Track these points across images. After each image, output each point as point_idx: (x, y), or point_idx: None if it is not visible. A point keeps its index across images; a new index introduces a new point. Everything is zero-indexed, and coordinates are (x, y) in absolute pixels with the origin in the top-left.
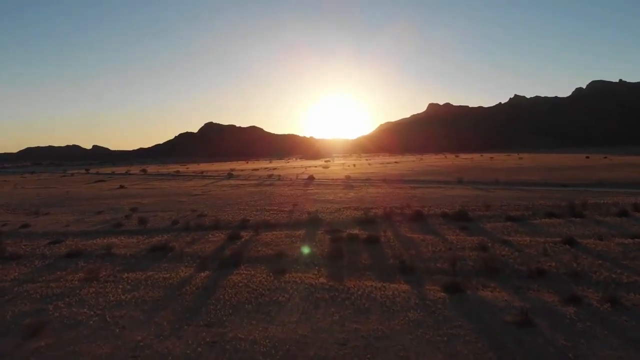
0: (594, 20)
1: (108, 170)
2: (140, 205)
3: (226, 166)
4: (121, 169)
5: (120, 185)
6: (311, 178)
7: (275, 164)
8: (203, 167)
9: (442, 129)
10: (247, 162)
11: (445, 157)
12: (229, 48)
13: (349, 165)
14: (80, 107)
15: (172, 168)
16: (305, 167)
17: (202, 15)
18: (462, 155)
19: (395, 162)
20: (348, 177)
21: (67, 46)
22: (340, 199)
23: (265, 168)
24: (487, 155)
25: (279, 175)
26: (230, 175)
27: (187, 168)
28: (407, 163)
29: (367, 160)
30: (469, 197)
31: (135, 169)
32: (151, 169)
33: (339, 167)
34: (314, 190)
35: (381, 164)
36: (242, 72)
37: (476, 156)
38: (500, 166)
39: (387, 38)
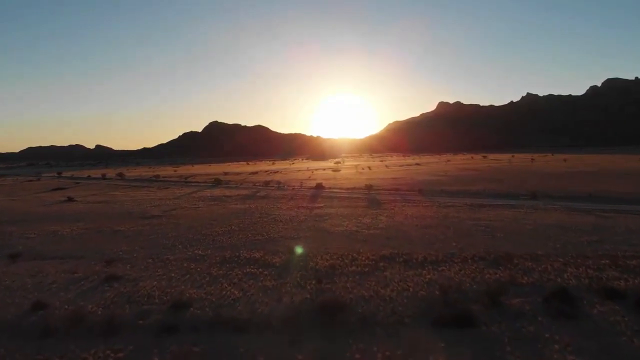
0: (608, 17)
1: (89, 173)
2: (52, 238)
3: (223, 168)
4: (109, 172)
5: (68, 197)
6: (319, 187)
7: (279, 165)
8: (196, 169)
9: (453, 128)
10: (248, 164)
11: (472, 158)
12: (235, 46)
13: (363, 168)
14: (84, 107)
15: (162, 170)
16: (312, 171)
17: (207, 14)
18: (490, 156)
19: (417, 164)
20: (369, 187)
21: (72, 46)
22: (368, 230)
23: (266, 171)
24: (519, 156)
25: (279, 182)
26: (217, 182)
27: (176, 171)
28: (432, 165)
29: (381, 161)
30: (585, 230)
31: (112, 172)
32: (138, 171)
33: (352, 171)
34: (324, 208)
35: (400, 166)
36: (248, 70)
37: (506, 156)
38: (552, 170)
39: (396, 36)
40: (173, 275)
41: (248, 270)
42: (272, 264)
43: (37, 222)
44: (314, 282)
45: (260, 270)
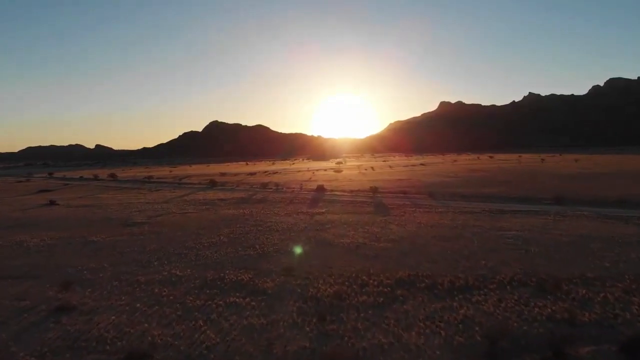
0: (610, 16)
1: (84, 173)
2: (15, 251)
3: (221, 168)
4: (104, 172)
5: (50, 201)
6: (321, 189)
7: (279, 165)
8: (193, 169)
9: (454, 128)
10: (247, 164)
11: (479, 158)
12: (235, 46)
13: (365, 169)
14: (84, 107)
15: (158, 171)
16: (313, 171)
17: (207, 14)
18: (497, 156)
19: (422, 165)
20: (374, 189)
21: (72, 46)
22: (378, 242)
23: (265, 172)
24: (526, 156)
25: (278, 184)
26: (212, 184)
27: (171, 171)
28: (438, 166)
29: (384, 161)
30: (631, 242)
31: (106, 173)
32: (133, 172)
33: (354, 172)
34: (326, 214)
35: (405, 166)
36: (248, 70)
37: (512, 156)
38: (566, 171)
39: (396, 36)
40: (138, 305)
41: (232, 299)
42: (263, 290)
43: (6, 229)
44: (314, 319)
45: (247, 299)
